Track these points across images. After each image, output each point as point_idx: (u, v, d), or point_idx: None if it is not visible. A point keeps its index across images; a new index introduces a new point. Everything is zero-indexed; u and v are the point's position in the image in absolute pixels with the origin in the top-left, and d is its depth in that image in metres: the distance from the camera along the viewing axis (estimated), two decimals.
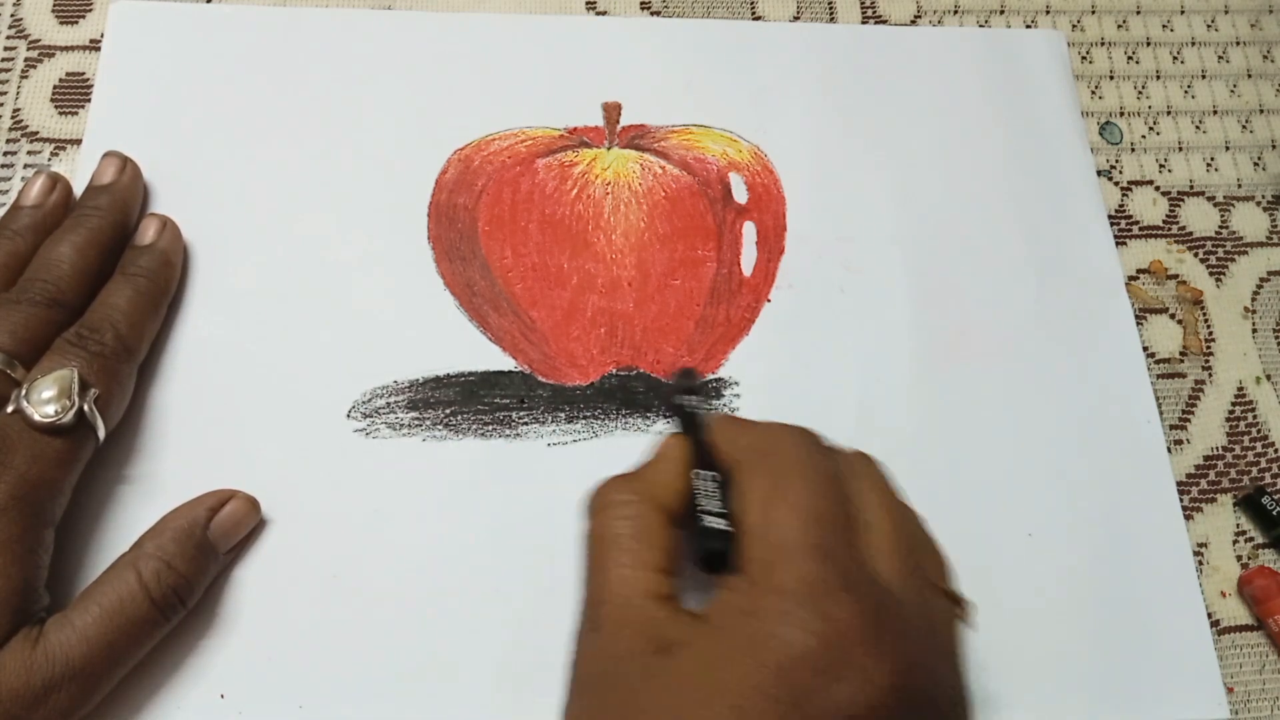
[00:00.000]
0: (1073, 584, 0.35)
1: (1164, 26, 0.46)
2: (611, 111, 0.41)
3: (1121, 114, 0.44)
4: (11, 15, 0.40)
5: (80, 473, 0.31)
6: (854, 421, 0.37)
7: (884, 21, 0.44)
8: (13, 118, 0.39)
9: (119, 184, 0.35)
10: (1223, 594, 0.36)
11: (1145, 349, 0.40)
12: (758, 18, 0.44)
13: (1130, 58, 0.45)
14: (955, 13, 0.45)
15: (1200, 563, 0.37)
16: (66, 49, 0.40)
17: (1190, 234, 0.42)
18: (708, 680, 0.24)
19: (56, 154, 0.38)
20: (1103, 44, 0.45)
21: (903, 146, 0.41)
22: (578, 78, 0.41)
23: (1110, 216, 0.42)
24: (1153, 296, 0.41)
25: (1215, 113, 0.45)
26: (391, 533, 0.34)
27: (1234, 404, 0.39)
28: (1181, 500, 0.37)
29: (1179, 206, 0.43)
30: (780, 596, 0.25)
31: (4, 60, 0.40)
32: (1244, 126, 0.45)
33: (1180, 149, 0.44)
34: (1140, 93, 0.45)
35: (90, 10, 0.41)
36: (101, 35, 0.40)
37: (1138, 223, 0.42)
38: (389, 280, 0.37)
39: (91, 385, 0.30)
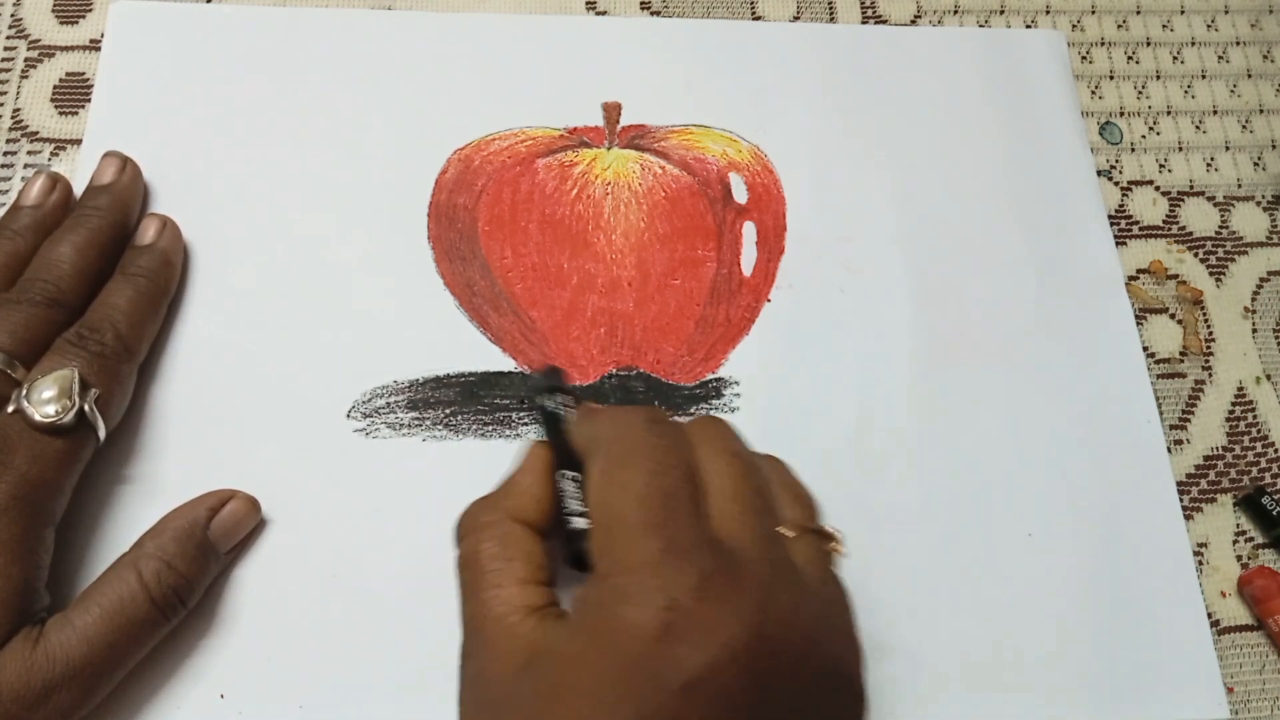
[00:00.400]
0: (1073, 584, 0.35)
1: (1164, 26, 0.46)
2: (611, 111, 0.41)
3: (1121, 114, 0.44)
4: (11, 15, 0.40)
5: (80, 473, 0.31)
6: (854, 421, 0.37)
7: (884, 21, 0.44)
8: (13, 118, 0.39)
9: (119, 184, 0.35)
10: (1223, 594, 0.36)
11: (1145, 349, 0.40)
12: (758, 18, 0.44)
13: (1130, 58, 0.45)
14: (955, 13, 0.45)
15: (1200, 563, 0.37)
16: (66, 49, 0.40)
17: (1190, 234, 0.42)
18: (568, 681, 0.23)
19: (56, 154, 0.38)
20: (1103, 44, 0.45)
21: (903, 146, 0.41)
22: (578, 78, 0.41)
23: (1110, 216, 0.42)
24: (1153, 296, 0.41)
25: (1215, 113, 0.45)
26: (391, 533, 0.34)
27: (1234, 404, 0.40)
28: (1181, 500, 0.37)
29: (1179, 206, 0.43)
30: (621, 578, 0.24)
31: (4, 60, 0.40)
32: (1244, 126, 0.45)
33: (1180, 149, 0.44)
34: (1140, 93, 0.45)
35: (90, 10, 0.41)
36: (101, 35, 0.40)
37: (1138, 223, 0.42)
38: (389, 280, 0.37)
39: (92, 385, 0.30)
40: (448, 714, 0.31)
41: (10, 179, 0.38)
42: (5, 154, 0.38)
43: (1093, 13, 0.46)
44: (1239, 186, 0.44)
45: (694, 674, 0.23)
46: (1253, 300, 0.41)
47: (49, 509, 0.29)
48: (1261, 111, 0.45)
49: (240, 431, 0.34)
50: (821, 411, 0.37)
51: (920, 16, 0.45)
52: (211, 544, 0.31)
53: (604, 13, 0.43)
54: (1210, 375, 0.40)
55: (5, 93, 0.39)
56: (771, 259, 0.39)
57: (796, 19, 0.44)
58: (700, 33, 0.43)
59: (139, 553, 0.30)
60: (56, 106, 0.39)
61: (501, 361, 0.36)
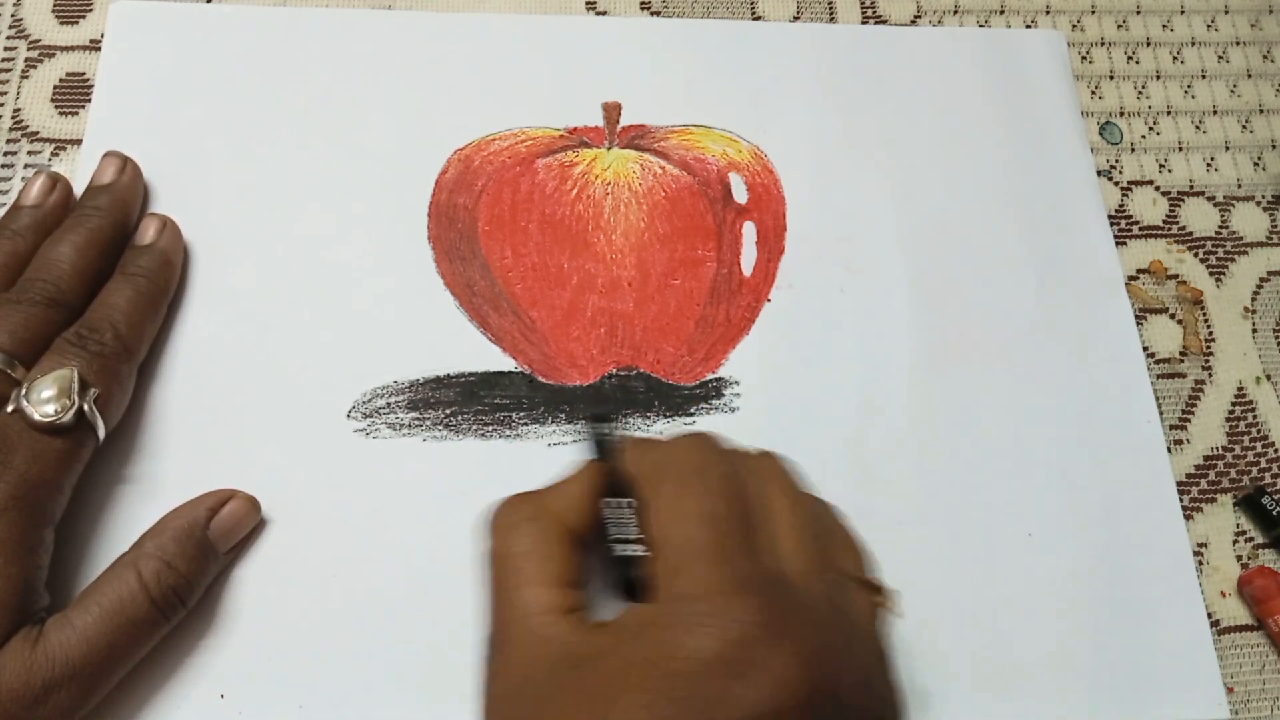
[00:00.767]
0: (1073, 584, 0.35)
1: (1164, 26, 0.46)
2: (611, 111, 0.41)
3: (1121, 114, 0.44)
4: (11, 15, 0.40)
5: (80, 473, 0.31)
6: (854, 421, 0.37)
7: (884, 21, 0.44)
8: (13, 118, 0.39)
9: (119, 184, 0.35)
10: (1223, 594, 0.36)
11: (1145, 349, 0.40)
12: (758, 18, 0.44)
13: (1130, 58, 0.45)
14: (955, 13, 0.45)
15: (1200, 563, 0.37)
16: (66, 49, 0.40)
17: (1190, 234, 0.42)
18: (614, 692, 0.23)
19: (56, 154, 0.38)
20: (1103, 44, 0.45)
21: (903, 146, 0.41)
22: (578, 78, 0.41)
23: (1110, 216, 0.42)
24: (1153, 296, 0.41)
25: (1215, 113, 0.45)
26: (391, 533, 0.34)
27: (1234, 404, 0.40)
28: (1181, 500, 0.37)
29: (1179, 206, 0.43)
30: (681, 603, 0.24)
31: (4, 60, 0.40)
32: (1244, 126, 0.45)
33: (1180, 149, 0.44)
34: (1140, 93, 0.45)
35: (90, 10, 0.41)
36: (101, 35, 0.40)
37: (1138, 223, 0.42)
38: (389, 280, 0.37)
39: (91, 385, 0.30)
40: (448, 714, 0.32)
41: (10, 179, 0.38)
42: (5, 154, 0.38)
43: (1093, 13, 0.46)
44: (1239, 186, 0.44)
45: (751, 712, 0.23)
46: (1253, 300, 0.41)
47: (49, 509, 0.29)
48: (1261, 111, 0.45)
49: (240, 431, 0.34)
50: (821, 411, 0.37)
51: (920, 16, 0.45)
52: (211, 544, 0.31)
53: (604, 13, 0.43)
54: (1210, 375, 0.40)
55: (5, 93, 0.39)
56: (771, 259, 0.39)
57: (796, 19, 0.44)
58: (700, 33, 0.43)
59: (139, 553, 0.30)
60: (56, 106, 0.39)
61: (501, 361, 0.36)
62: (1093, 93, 0.44)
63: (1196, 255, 0.42)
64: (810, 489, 0.29)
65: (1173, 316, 0.41)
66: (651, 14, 0.43)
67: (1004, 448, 0.37)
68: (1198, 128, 0.44)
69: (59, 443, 0.29)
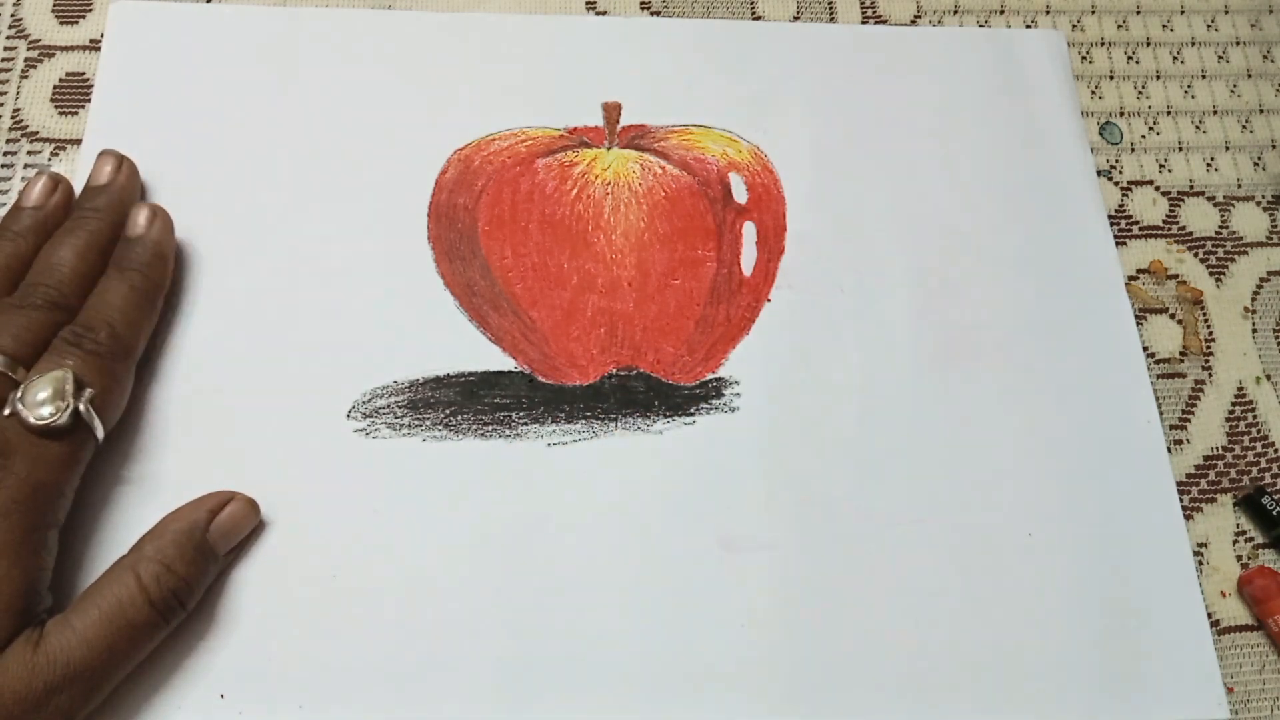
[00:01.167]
0: (1073, 584, 0.35)
1: (1164, 26, 0.46)
2: (611, 111, 0.41)
3: (1121, 114, 0.44)
4: (11, 15, 0.40)
5: (81, 474, 0.31)
6: (854, 421, 0.37)
7: (884, 21, 0.44)
8: (13, 118, 0.39)
9: (115, 183, 0.35)
10: (1223, 594, 0.36)
11: (1145, 349, 0.40)
12: (758, 18, 0.44)
13: (1130, 58, 0.45)
14: (955, 13, 0.45)
15: (1200, 563, 0.37)
16: (66, 49, 0.40)
17: (1190, 234, 0.42)
18: None
19: (56, 154, 0.38)
20: (1103, 44, 0.45)
21: (902, 146, 0.41)
22: (578, 78, 0.41)
23: (1110, 216, 0.42)
24: (1153, 296, 0.41)
25: (1215, 113, 0.45)
26: (391, 533, 0.34)
27: (1234, 404, 0.40)
28: (1181, 500, 0.37)
29: (1179, 206, 0.43)
30: None
31: (4, 60, 0.40)
32: (1244, 126, 0.45)
33: (1180, 149, 0.44)
34: (1140, 93, 0.45)
35: (90, 10, 0.41)
36: (101, 35, 0.40)
37: (1138, 223, 0.42)
38: (389, 280, 0.37)
39: (87, 385, 0.30)
40: (448, 714, 0.32)
41: (10, 179, 0.38)
42: (5, 154, 0.38)
43: (1093, 13, 0.46)
44: (1239, 186, 0.44)
45: None
46: (1253, 300, 0.41)
47: (50, 512, 0.29)
48: (1261, 111, 0.45)
49: (240, 431, 0.34)
50: (821, 411, 0.37)
51: (920, 16, 0.45)
52: (210, 546, 0.31)
53: (604, 13, 0.43)
54: (1210, 375, 0.40)
55: (5, 93, 0.39)
56: (771, 259, 0.39)
57: (796, 19, 0.44)
58: (700, 33, 0.43)
59: (138, 555, 0.30)
60: (56, 106, 0.39)
61: (501, 361, 0.36)
62: (1093, 93, 0.44)
63: (1196, 255, 0.42)
64: None
65: (1173, 316, 0.41)
66: (651, 14, 0.43)
67: (1004, 448, 0.37)
68: (1198, 128, 0.44)
69: (57, 445, 0.29)
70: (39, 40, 0.40)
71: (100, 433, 0.31)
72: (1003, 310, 0.39)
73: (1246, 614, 0.36)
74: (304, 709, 0.31)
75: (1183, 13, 0.47)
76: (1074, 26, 0.45)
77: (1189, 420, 0.39)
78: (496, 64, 0.41)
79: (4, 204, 0.37)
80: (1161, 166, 0.43)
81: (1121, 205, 0.42)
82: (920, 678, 0.33)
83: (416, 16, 0.41)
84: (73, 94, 0.39)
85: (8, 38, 0.40)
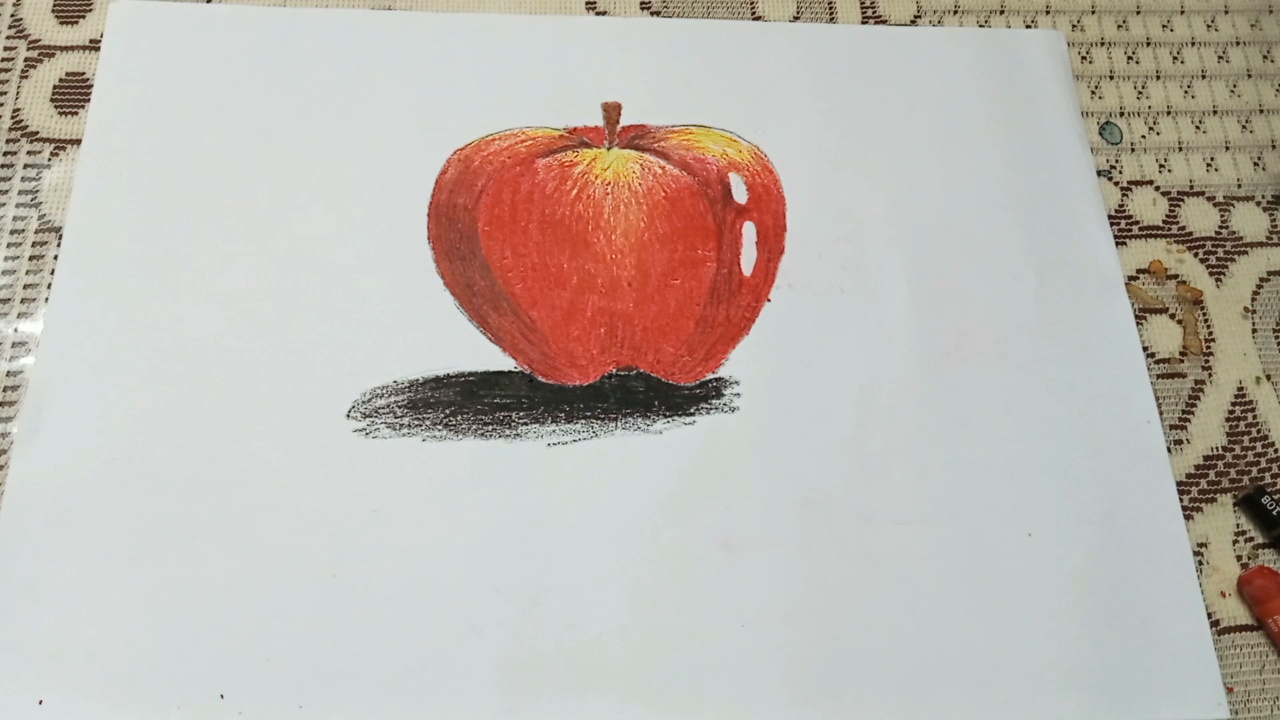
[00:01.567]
0: (1073, 584, 0.35)
1: (1164, 26, 0.46)
2: (611, 111, 0.41)
3: (1121, 114, 0.44)
4: (11, 15, 0.40)
5: None
6: (854, 421, 0.37)
7: (884, 21, 0.44)
8: (13, 118, 0.39)
9: None
10: (1223, 594, 0.36)
11: (1145, 349, 0.40)
12: (758, 18, 0.44)
13: (1130, 58, 0.45)
14: (955, 13, 0.45)
15: (1200, 563, 0.37)
16: (66, 49, 0.40)
17: (1190, 234, 0.42)
18: None
19: (56, 154, 0.38)
20: (1103, 44, 0.45)
21: (902, 146, 0.41)
22: (578, 78, 0.41)
23: (1110, 216, 0.42)
24: (1153, 296, 0.41)
25: (1215, 113, 0.45)
26: (391, 533, 0.34)
27: (1234, 404, 0.39)
28: (1181, 500, 0.37)
29: (1179, 206, 0.43)
30: None
31: (4, 60, 0.40)
32: (1244, 126, 0.45)
33: (1180, 149, 0.44)
34: (1140, 93, 0.45)
35: (90, 10, 0.41)
36: (101, 35, 0.40)
37: (1138, 223, 0.42)
38: (389, 280, 0.37)
39: None
40: (448, 714, 0.32)
41: (10, 179, 0.38)
42: (5, 154, 0.38)
43: (1093, 13, 0.46)
44: (1239, 186, 0.44)
45: None
46: (1253, 300, 0.41)
47: None
48: (1261, 111, 0.45)
49: (240, 431, 0.34)
50: (821, 411, 0.37)
51: (920, 16, 0.45)
52: None
53: (604, 13, 0.43)
54: (1210, 375, 0.40)
55: (5, 93, 0.39)
56: (771, 259, 0.39)
57: (796, 19, 0.44)
58: (700, 33, 0.43)
59: None
60: (56, 106, 0.39)
61: (501, 361, 0.36)
62: (1093, 93, 0.44)
63: (1196, 255, 0.42)
64: None
65: (1173, 316, 0.41)
66: (651, 14, 0.43)
67: (1004, 448, 0.37)
68: (1198, 128, 0.44)
69: None
70: (39, 40, 0.40)
71: None
72: (1003, 310, 0.39)
73: (1246, 614, 0.36)
74: (304, 709, 0.31)
75: (1183, 13, 0.47)
76: (1074, 26, 0.45)
77: (1189, 420, 0.39)
78: (496, 64, 0.41)
79: (3, 203, 0.37)
80: (1161, 166, 0.43)
81: (1121, 205, 0.42)
82: (920, 677, 0.33)
83: (416, 16, 0.41)
84: (73, 94, 0.39)
85: (8, 38, 0.40)
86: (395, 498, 0.34)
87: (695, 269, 0.38)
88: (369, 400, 0.35)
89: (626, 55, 0.42)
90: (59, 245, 0.36)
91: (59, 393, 0.34)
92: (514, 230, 0.38)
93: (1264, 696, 0.35)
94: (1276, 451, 0.39)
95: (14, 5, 0.40)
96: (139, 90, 0.39)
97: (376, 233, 0.38)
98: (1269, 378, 0.40)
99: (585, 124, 0.40)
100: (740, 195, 0.40)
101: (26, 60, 0.40)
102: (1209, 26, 0.46)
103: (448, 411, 0.35)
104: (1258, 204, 0.43)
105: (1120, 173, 0.43)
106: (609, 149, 0.40)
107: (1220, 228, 0.43)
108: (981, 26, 0.45)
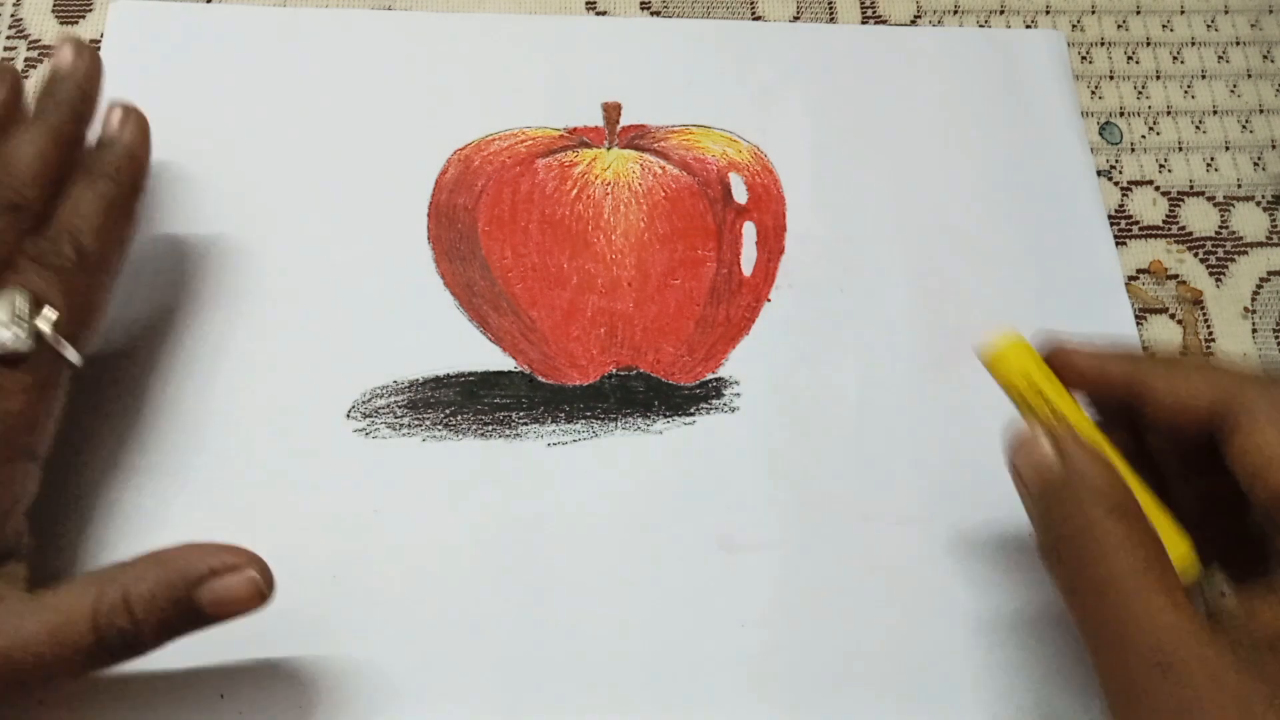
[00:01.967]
0: None
1: (1164, 26, 0.46)
2: (611, 111, 0.41)
3: (1121, 114, 0.44)
4: (11, 15, 0.40)
5: (62, 402, 0.29)
6: (854, 421, 0.37)
7: (884, 21, 0.44)
8: None
9: (78, 72, 0.31)
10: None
11: (1145, 349, 0.40)
12: (758, 18, 0.44)
13: (1130, 58, 0.45)
14: (955, 13, 0.45)
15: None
16: None
17: (1190, 234, 0.42)
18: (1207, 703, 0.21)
19: None
20: (1103, 44, 0.45)
21: (902, 146, 0.41)
22: (578, 78, 0.41)
23: (1110, 216, 0.42)
24: (1153, 296, 0.41)
25: (1215, 113, 0.45)
26: (391, 533, 0.34)
27: None
28: None
29: (1179, 206, 0.43)
30: None
31: (4, 60, 0.40)
32: (1244, 126, 0.45)
33: (1180, 149, 0.44)
34: (1140, 93, 0.45)
35: (90, 10, 0.41)
36: (101, 35, 0.40)
37: (1138, 223, 0.42)
38: (389, 280, 0.37)
39: (50, 304, 0.28)
40: (448, 714, 0.32)
41: None
42: None
43: (1093, 13, 0.46)
44: (1239, 186, 0.44)
45: None
46: (1253, 300, 0.41)
47: (22, 443, 0.27)
48: (1261, 111, 0.45)
49: (240, 431, 0.34)
50: (821, 411, 0.37)
51: (920, 16, 0.45)
52: (194, 606, 0.26)
53: (604, 13, 0.43)
54: None
55: None
56: (771, 259, 0.39)
57: (796, 19, 0.44)
58: (700, 33, 0.43)
59: (117, 574, 0.26)
60: None
61: (501, 361, 0.36)
62: (1093, 93, 0.44)
63: (1196, 255, 0.42)
64: None
65: (1173, 316, 0.41)
66: (651, 14, 0.43)
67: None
68: (1198, 128, 0.44)
69: (21, 373, 0.27)
70: (39, 40, 0.40)
71: (73, 356, 0.28)
72: (1003, 310, 0.39)
73: None
74: (304, 709, 0.31)
75: (1183, 13, 0.47)
76: (1074, 26, 0.45)
77: None
78: (496, 64, 0.41)
79: None
80: (1161, 166, 0.43)
81: (1121, 205, 0.42)
82: (920, 677, 0.33)
83: (416, 16, 0.41)
84: None
85: (8, 38, 0.40)
86: (395, 498, 0.34)
87: (695, 269, 0.38)
88: (369, 400, 0.35)
89: (626, 55, 0.42)
90: None
91: None
92: (514, 230, 0.38)
93: None
94: None
95: (14, 5, 0.40)
96: (139, 90, 0.39)
97: (376, 233, 0.38)
98: None
99: (585, 124, 0.40)
100: (740, 195, 0.40)
101: (26, 60, 0.40)
102: (1209, 26, 0.46)
103: (448, 411, 0.35)
104: (1258, 204, 0.43)
105: (1120, 173, 0.43)
106: (609, 149, 0.40)
107: (1220, 228, 0.43)
108: (981, 26, 0.45)
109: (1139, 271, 0.41)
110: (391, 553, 0.33)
